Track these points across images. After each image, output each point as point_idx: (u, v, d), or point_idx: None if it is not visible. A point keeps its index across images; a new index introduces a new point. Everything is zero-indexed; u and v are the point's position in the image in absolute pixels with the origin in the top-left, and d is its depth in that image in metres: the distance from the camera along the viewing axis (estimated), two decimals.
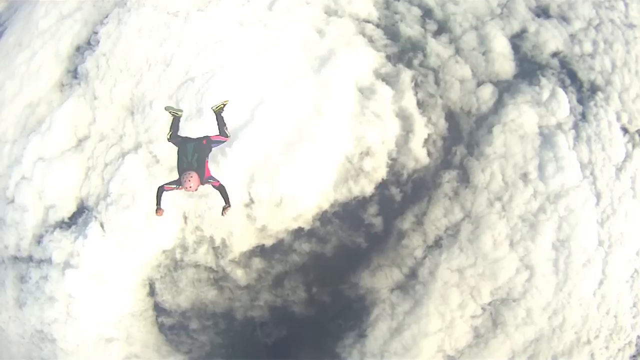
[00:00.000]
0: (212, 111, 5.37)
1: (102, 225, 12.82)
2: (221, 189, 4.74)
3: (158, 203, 4.95)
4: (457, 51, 13.59)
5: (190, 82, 12.41)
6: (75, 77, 14.66)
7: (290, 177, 11.33)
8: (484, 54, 13.44)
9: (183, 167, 4.56)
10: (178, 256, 12.32)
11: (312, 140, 11.45)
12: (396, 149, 12.35)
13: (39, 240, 14.10)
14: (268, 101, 11.75)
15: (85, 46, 14.81)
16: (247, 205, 11.64)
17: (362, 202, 12.06)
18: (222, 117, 5.31)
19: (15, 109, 15.82)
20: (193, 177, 4.34)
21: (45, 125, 14.26)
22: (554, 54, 13.34)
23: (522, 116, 12.42)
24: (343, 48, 12.51)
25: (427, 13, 14.14)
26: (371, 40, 13.30)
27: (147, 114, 12.69)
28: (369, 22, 13.72)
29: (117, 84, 13.38)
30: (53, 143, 14.03)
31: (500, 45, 13.34)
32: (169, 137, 5.03)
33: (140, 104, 13.07)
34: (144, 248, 12.36)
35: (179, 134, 5.02)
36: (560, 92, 12.59)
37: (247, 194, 11.54)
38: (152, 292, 12.71)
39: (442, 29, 13.92)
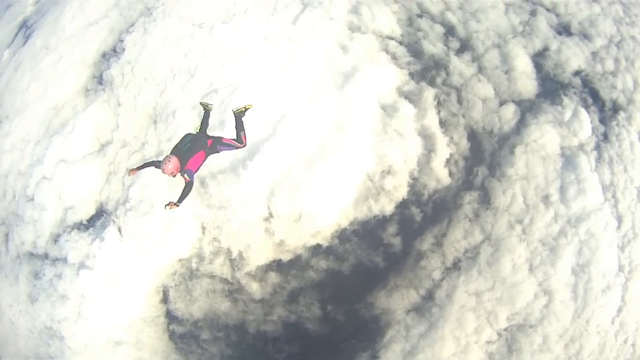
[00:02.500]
0: (232, 113, 5.33)
1: (119, 230, 12.89)
2: (187, 187, 4.65)
3: (137, 167, 5.10)
4: (480, 69, 13.44)
5: (214, 93, 12.45)
6: (100, 83, 14.87)
7: (311, 193, 11.25)
8: (506, 72, 13.29)
9: (172, 151, 4.69)
10: (194, 265, 12.30)
11: (334, 157, 11.36)
12: (418, 168, 12.21)
13: (55, 239, 14.25)
14: (291, 116, 11.75)
15: (111, 53, 15.05)
16: (266, 219, 11.59)
17: (381, 221, 11.89)
18: (242, 121, 5.27)
19: (39, 110, 16.13)
20: (171, 162, 4.42)
21: (68, 128, 14.45)
22: (576, 73, 13.15)
23: (544, 137, 12.23)
24: (366, 64, 12.46)
25: (449, 30, 14.04)
26: (394, 57, 13.22)
27: (170, 122, 12.75)
28: (392, 38, 13.66)
29: (141, 92, 13.51)
30: (75, 146, 14.22)
31: (523, 64, 13.20)
32: (212, 136, 5.09)
33: (164, 112, 13.16)
34: (160, 255, 12.37)
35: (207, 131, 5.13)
36: (582, 111, 12.39)
37: (266, 208, 11.50)
38: (165, 299, 12.68)
39: (465, 46, 13.79)
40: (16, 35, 25.20)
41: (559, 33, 13.59)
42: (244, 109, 5.32)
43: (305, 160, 11.48)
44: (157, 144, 12.87)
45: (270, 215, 11.54)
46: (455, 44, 13.83)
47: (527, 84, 13.07)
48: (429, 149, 12.33)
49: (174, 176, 4.54)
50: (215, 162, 12.01)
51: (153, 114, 13.44)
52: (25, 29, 24.75)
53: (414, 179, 12.18)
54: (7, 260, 15.62)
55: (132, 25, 14.83)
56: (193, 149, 4.72)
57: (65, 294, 13.03)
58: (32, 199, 15.49)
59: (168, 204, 4.61)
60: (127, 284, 12.59)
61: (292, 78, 12.35)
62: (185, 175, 4.57)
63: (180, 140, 4.87)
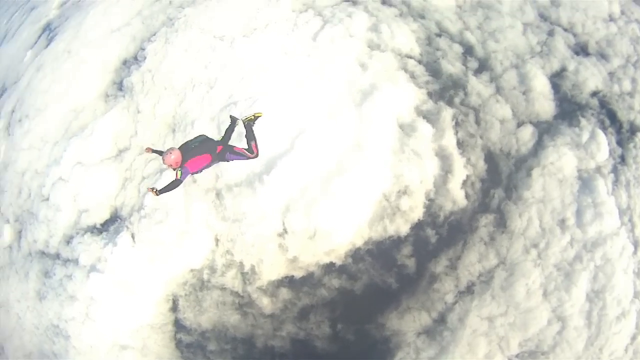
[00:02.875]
0: (242, 122, 5.33)
1: (132, 236, 12.92)
2: (173, 183, 4.65)
3: (153, 150, 5.27)
4: (498, 90, 13.33)
5: (233, 105, 12.46)
6: (120, 89, 15.03)
7: (327, 210, 11.16)
8: (524, 93, 13.16)
9: (180, 146, 4.86)
10: (205, 277, 12.27)
11: (351, 175, 11.26)
12: (434, 189, 12.06)
13: (68, 240, 14.35)
14: (309, 132, 11.71)
15: (132, 61, 15.23)
16: (280, 235, 11.51)
17: (396, 242, 11.75)
18: (252, 130, 5.28)
19: (59, 111, 16.37)
20: (173, 154, 4.51)
21: (87, 132, 14.60)
22: (594, 93, 12.97)
23: (562, 159, 12.07)
24: (385, 83, 12.40)
25: (468, 50, 13.98)
26: (413, 77, 13.16)
27: (189, 132, 12.72)
28: (411, 57, 13.62)
29: (160, 101, 13.61)
30: (93, 150, 14.36)
31: (541, 85, 13.07)
32: (224, 141, 5.14)
33: (182, 122, 13.21)
34: (172, 264, 12.37)
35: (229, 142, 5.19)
36: (599, 133, 12.19)
37: (281, 223, 11.42)
38: (174, 308, 12.64)
39: (483, 66, 13.71)
40: (39, 37, 25.69)
41: (577, 53, 13.48)
42: (253, 117, 5.35)
43: (322, 177, 11.40)
44: None
45: (285, 231, 11.46)
46: (473, 64, 13.75)
47: (544, 105, 12.94)
48: (446, 170, 12.19)
49: (174, 169, 4.61)
50: (231, 174, 12.15)
51: (172, 123, 13.52)
52: (49, 32, 25.22)
53: (430, 200, 12.03)
54: (19, 256, 15.78)
55: (154, 35, 15.03)
56: (200, 150, 4.79)
57: (74, 295, 13.07)
58: (47, 199, 15.66)
59: (151, 188, 4.66)
60: (137, 290, 12.59)
61: (311, 94, 12.34)
62: (179, 172, 4.60)
63: (193, 139, 4.96)
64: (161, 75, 13.81)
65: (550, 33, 13.81)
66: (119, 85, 15.15)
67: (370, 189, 11.53)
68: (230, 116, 5.47)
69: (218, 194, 12.30)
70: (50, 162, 15.99)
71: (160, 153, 4.96)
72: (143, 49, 14.95)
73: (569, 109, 12.83)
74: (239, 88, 12.78)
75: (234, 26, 13.98)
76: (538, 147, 12.39)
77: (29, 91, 20.45)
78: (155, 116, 13.65)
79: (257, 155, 5.32)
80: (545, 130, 12.57)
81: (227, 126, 5.55)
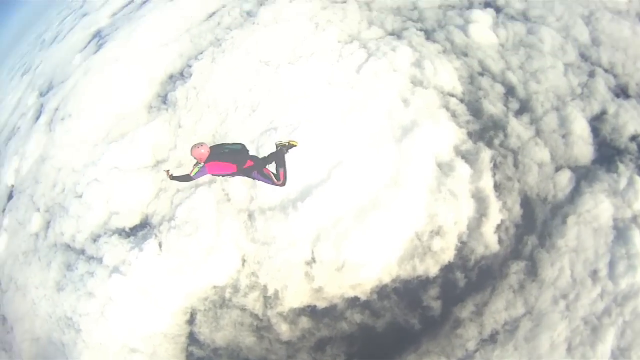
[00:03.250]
0: (275, 145, 5.20)
1: (160, 245, 13.11)
2: (186, 177, 4.70)
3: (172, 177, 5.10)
4: (538, 132, 13.07)
5: (273, 130, 12.62)
6: (164, 103, 15.52)
7: (357, 244, 11.04)
8: (563, 136, 12.84)
9: (213, 145, 4.86)
10: (227, 295, 12.27)
11: (385, 211, 11.15)
12: (467, 232, 11.78)
13: (95, 238, 14.67)
14: (347, 163, 11.70)
15: (178, 76, 15.73)
16: (308, 263, 11.45)
17: (424, 282, 11.47)
18: (284, 158, 5.11)
19: (102, 116, 16.94)
20: (203, 148, 4.56)
21: (127, 139, 15.05)
22: (633, 137, 12.51)
23: (598, 207, 11.59)
24: (426, 120, 12.35)
25: (510, 90, 13.83)
26: (454, 115, 13.06)
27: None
28: (453, 95, 13.55)
29: (202, 118, 13.94)
30: (132, 157, 14.77)
31: (580, 128, 12.74)
32: (258, 159, 5.03)
33: (221, 141, 13.28)
34: (196, 278, 12.45)
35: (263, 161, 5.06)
36: (638, 180, 11.70)
37: (310, 251, 11.39)
38: (191, 321, 12.64)
39: (524, 108, 13.50)
40: (89, 42, 26.91)
41: (617, 95, 13.12)
42: (287, 145, 5.17)
43: (356, 210, 11.32)
44: None
45: (313, 260, 11.40)
46: (514, 105, 13.58)
47: (583, 149, 12.59)
48: (481, 213, 11.92)
49: (197, 163, 4.62)
50: (266, 197, 12.20)
51: (211, 142, 13.63)
52: (99, 39, 26.41)
53: (463, 242, 11.74)
54: (44, 245, 16.19)
55: (201, 53, 15.50)
56: (228, 157, 4.72)
57: (93, 292, 13.29)
58: (80, 196, 16.10)
59: (167, 170, 4.80)
60: (157, 297, 12.69)
61: (352, 126, 12.38)
62: (196, 169, 4.60)
63: (231, 143, 4.91)
64: (205, 93, 14.15)
65: (591, 74, 13.55)
66: (163, 99, 15.61)
67: (403, 227, 11.37)
68: (277, 144, 5.27)
69: (250, 216, 12.39)
70: (88, 162, 16.52)
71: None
72: (189, 66, 15.41)
73: (607, 153, 12.43)
74: (281, 114, 12.97)
75: (280, 52, 14.30)
76: (575, 193, 11.99)
77: (75, 92, 21.25)
78: (195, 132, 13.93)
79: (283, 184, 5.18)
80: (582, 176, 12.17)
81: (270, 153, 5.40)
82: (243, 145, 4.93)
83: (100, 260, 13.75)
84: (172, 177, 4.75)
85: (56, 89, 25.22)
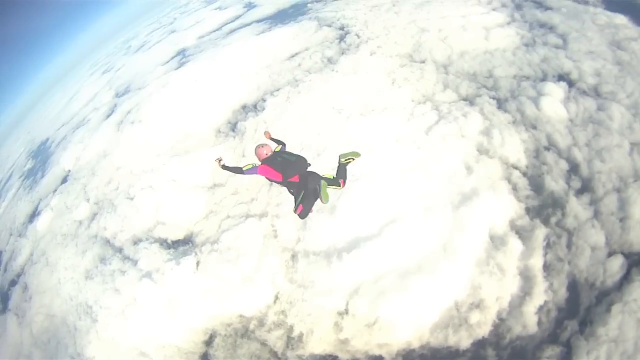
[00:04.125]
0: (339, 158, 5.25)
1: (197, 263, 13.44)
2: (238, 170, 4.77)
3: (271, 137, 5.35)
4: (596, 214, 12.55)
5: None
6: (232, 130, 16.20)
7: (394, 304, 10.87)
8: (621, 220, 12.25)
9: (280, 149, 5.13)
10: (251, 327, 12.31)
11: (429, 276, 10.98)
12: (508, 309, 11.30)
13: (136, 241, 15.23)
14: (400, 222, 11.64)
15: (251, 107, 16.42)
16: (340, 314, 11.34)
17: (452, 354, 11.01)
18: (346, 170, 5.20)
19: (170, 129, 17.92)
20: (266, 150, 4.87)
21: (190, 157, 15.75)
22: None
23: None
24: (487, 190, 12.18)
25: (573, 168, 13.43)
26: (515, 188, 12.80)
27: (284, 191, 13.04)
28: (516, 168, 13.31)
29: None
30: (191, 174, 15.38)
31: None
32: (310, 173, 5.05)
33: None
34: (225, 303, 12.61)
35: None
36: None
37: (345, 303, 11.28)
38: (208, 342, 12.73)
39: (586, 187, 13.05)
40: (172, 58, 29.12)
41: None
42: (352, 159, 5.22)
43: (400, 270, 11.19)
44: (265, 204, 13.38)
45: (346, 311, 11.28)
46: (576, 183, 13.15)
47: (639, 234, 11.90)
48: (526, 292, 11.43)
49: (258, 156, 4.89)
50: (313, 241, 12.24)
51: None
52: (182, 57, 28.53)
53: (501, 319, 11.24)
54: (85, 233, 17.04)
55: (278, 90, 16.12)
56: (279, 165, 4.81)
57: (119, 289, 13.80)
58: (132, 199, 16.91)
59: (219, 159, 4.85)
60: (181, 312, 12.94)
61: (412, 186, 12.36)
62: (250, 165, 4.76)
63: (294, 154, 5.02)
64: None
65: None
66: (233, 126, 16.29)
67: (444, 295, 11.10)
68: (340, 158, 5.30)
69: (294, 256, 12.50)
70: (147, 169, 17.44)
71: (279, 142, 5.29)
72: (264, 100, 16.03)
73: None
74: None
75: (353, 102, 14.71)
76: (624, 280, 11.35)
77: (149, 102, 22.77)
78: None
79: (298, 214, 5.03)
80: (635, 263, 11.51)
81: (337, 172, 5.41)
82: (300, 159, 4.97)
83: (135, 263, 14.28)
84: (224, 167, 4.84)
85: (132, 93, 27.24)
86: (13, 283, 18.11)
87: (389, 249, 11.29)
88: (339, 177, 5.17)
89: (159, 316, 12.91)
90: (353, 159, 5.23)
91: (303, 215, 4.97)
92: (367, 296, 11.08)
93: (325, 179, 5.10)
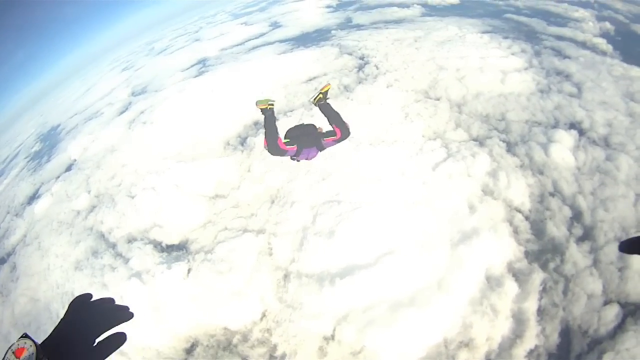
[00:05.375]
0: (312, 104, 4.88)
1: (189, 270, 13.37)
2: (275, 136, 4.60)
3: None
4: (595, 262, 12.51)
5: (336, 203, 12.88)
6: (241, 144, 16.41)
7: (382, 335, 10.74)
8: (620, 269, 12.20)
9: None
10: (235, 341, 12.15)
11: (420, 310, 10.86)
12: (497, 350, 11.15)
13: (130, 240, 15.18)
14: (397, 255, 11.60)
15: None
16: (325, 339, 11.22)
17: None
18: (330, 109, 4.71)
19: (181, 134, 18.10)
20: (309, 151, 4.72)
21: (195, 164, 15.88)
22: None
23: (639, 346, 10.80)
24: (487, 231, 12.16)
25: (576, 215, 13.38)
26: (516, 231, 12.76)
27: (285, 210, 13.33)
28: (519, 211, 13.30)
29: (272, 171, 14.62)
30: (194, 183, 15.46)
31: (639, 263, 11.93)
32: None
33: (284, 198, 13.89)
34: (211, 314, 12.48)
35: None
36: None
37: (332, 328, 11.18)
38: (189, 350, 12.54)
39: (587, 235, 13.00)
40: (193, 65, 29.74)
41: None
42: (322, 95, 4.74)
43: (391, 302, 11.10)
44: (264, 221, 13.41)
45: (332, 337, 11.17)
46: (578, 231, 13.08)
47: (638, 285, 11.88)
48: (517, 334, 11.30)
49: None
50: (307, 263, 12.16)
51: (274, 195, 14.21)
52: (202, 66, 29.17)
53: None
54: (80, 224, 17.03)
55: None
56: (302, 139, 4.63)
57: (107, 285, 13.72)
58: (133, 197, 16.93)
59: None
60: (165, 316, 12.80)
61: (413, 220, 12.36)
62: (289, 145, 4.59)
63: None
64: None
65: None
66: (242, 140, 16.49)
67: (434, 331, 10.95)
68: (313, 102, 4.94)
69: (286, 276, 12.46)
70: (152, 170, 17.57)
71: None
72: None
73: None
74: (348, 190, 13.23)
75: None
76: (618, 329, 11.24)
77: (164, 104, 23.14)
78: (262, 181, 14.54)
79: (346, 134, 4.62)
80: (630, 313, 11.44)
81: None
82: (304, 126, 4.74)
83: (126, 261, 14.26)
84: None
85: (148, 94, 27.70)
86: (2, 261, 18.02)
87: (383, 280, 11.21)
88: (332, 122, 4.70)
89: (143, 317, 12.80)
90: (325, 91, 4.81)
91: (348, 130, 4.64)
92: (355, 324, 10.95)
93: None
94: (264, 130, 4.76)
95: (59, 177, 22.43)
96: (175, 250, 14.34)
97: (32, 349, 1.09)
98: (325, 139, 4.60)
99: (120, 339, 1.28)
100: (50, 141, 31.92)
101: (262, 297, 12.07)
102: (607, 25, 23.30)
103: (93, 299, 1.33)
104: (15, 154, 33.32)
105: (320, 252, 12.39)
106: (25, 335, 1.13)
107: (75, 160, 23.70)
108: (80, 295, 1.32)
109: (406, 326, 10.75)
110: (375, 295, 11.14)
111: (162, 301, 12.98)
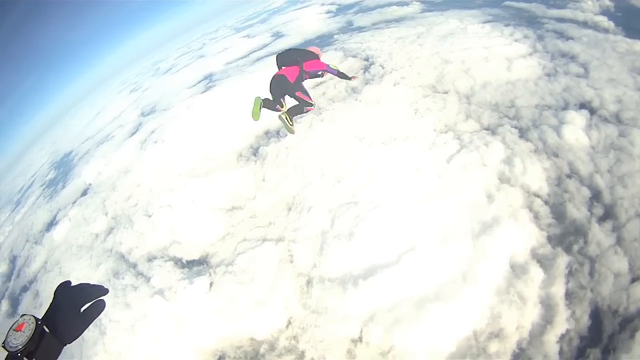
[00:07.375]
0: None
1: (211, 284, 13.42)
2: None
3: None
4: (619, 241, 12.34)
5: (353, 205, 12.88)
6: (254, 155, 16.58)
7: (410, 333, 10.67)
8: None
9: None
10: (262, 350, 12.15)
11: (447, 304, 10.80)
12: (528, 338, 11.03)
13: (150, 258, 15.32)
14: (418, 251, 11.55)
15: (273, 133, 16.76)
16: (353, 341, 11.18)
17: None
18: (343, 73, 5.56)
19: (192, 150, 18.27)
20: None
21: (210, 178, 16.01)
22: None
23: None
24: (508, 219, 12.05)
25: (595, 195, 13.25)
26: (536, 217, 12.65)
27: (303, 216, 13.39)
28: (538, 196, 13.19)
29: (287, 178, 14.68)
30: (210, 196, 15.60)
31: None
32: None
33: (300, 204, 13.92)
34: (236, 325, 12.51)
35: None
36: None
37: (359, 330, 11.14)
38: None
39: (608, 214, 12.87)
40: (199, 82, 30.12)
41: None
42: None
43: (417, 298, 11.06)
44: (282, 229, 13.45)
45: (360, 339, 11.13)
46: (599, 210, 12.95)
47: None
48: (547, 321, 11.18)
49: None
50: (329, 268, 12.15)
51: (290, 202, 14.27)
52: (209, 81, 29.51)
53: (521, 349, 10.97)
54: (100, 247, 17.24)
55: (301, 117, 16.46)
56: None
57: (130, 304, 13.78)
58: (150, 216, 17.12)
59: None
60: (190, 331, 12.87)
61: (432, 214, 12.32)
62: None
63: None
64: (296, 155, 14.86)
65: None
66: (254, 151, 16.64)
67: (463, 324, 10.86)
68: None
69: (309, 282, 12.49)
70: (166, 188, 17.77)
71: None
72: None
73: None
74: (365, 190, 13.23)
75: (376, 131, 14.99)
76: None
77: (173, 123, 23.43)
78: (277, 190, 14.62)
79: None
80: None
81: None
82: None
83: (147, 279, 14.36)
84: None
85: (157, 113, 28.08)
86: (25, 289, 18.30)
87: (407, 277, 11.17)
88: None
89: (168, 334, 12.89)
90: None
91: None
92: (382, 324, 10.92)
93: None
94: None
95: (75, 202, 22.78)
96: (196, 265, 14.44)
97: (32, 321, 1.39)
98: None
99: (100, 305, 1.59)
100: (64, 168, 32.47)
101: (286, 305, 12.09)
102: (607, 2, 23.13)
103: (73, 284, 1.64)
104: (30, 184, 33.95)
105: (341, 255, 12.41)
106: (23, 315, 1.41)
107: (90, 184, 24.07)
108: (62, 283, 1.63)
109: (434, 322, 10.70)
110: (400, 293, 11.11)
111: (186, 317, 13.04)
